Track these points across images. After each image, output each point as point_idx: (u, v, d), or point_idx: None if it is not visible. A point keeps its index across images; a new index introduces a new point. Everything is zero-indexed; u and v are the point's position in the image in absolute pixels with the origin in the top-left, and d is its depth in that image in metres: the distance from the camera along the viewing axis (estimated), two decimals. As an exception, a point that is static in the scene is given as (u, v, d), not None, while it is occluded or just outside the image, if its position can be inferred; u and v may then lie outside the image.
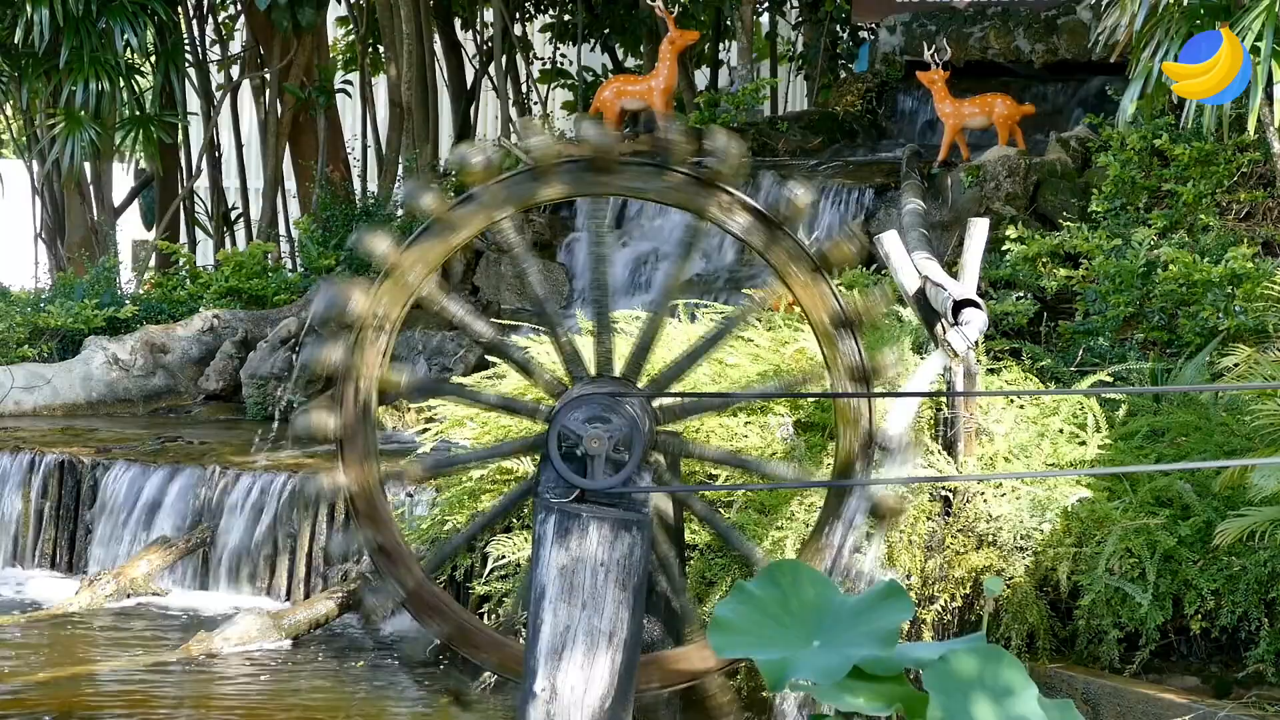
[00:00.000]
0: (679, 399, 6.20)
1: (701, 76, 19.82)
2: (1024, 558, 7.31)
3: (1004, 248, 10.19)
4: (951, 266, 8.21)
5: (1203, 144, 10.04)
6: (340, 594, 9.18)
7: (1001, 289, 10.15)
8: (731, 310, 8.88)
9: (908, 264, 7.59)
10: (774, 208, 5.73)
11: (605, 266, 6.02)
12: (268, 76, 18.07)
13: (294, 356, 12.82)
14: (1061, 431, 7.98)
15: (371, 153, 18.80)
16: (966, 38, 14.26)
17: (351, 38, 19.98)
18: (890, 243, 7.59)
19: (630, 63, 19.73)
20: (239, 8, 19.01)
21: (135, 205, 21.46)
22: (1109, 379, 8.75)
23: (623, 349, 6.00)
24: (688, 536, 6.93)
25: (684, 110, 16.35)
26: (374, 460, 5.94)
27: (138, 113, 17.14)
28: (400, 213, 15.04)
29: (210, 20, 19.17)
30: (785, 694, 6.58)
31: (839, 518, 5.88)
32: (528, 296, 6.19)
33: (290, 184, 18.94)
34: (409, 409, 11.22)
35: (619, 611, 5.37)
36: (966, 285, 7.42)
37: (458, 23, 19.34)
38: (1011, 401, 7.97)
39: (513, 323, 9.33)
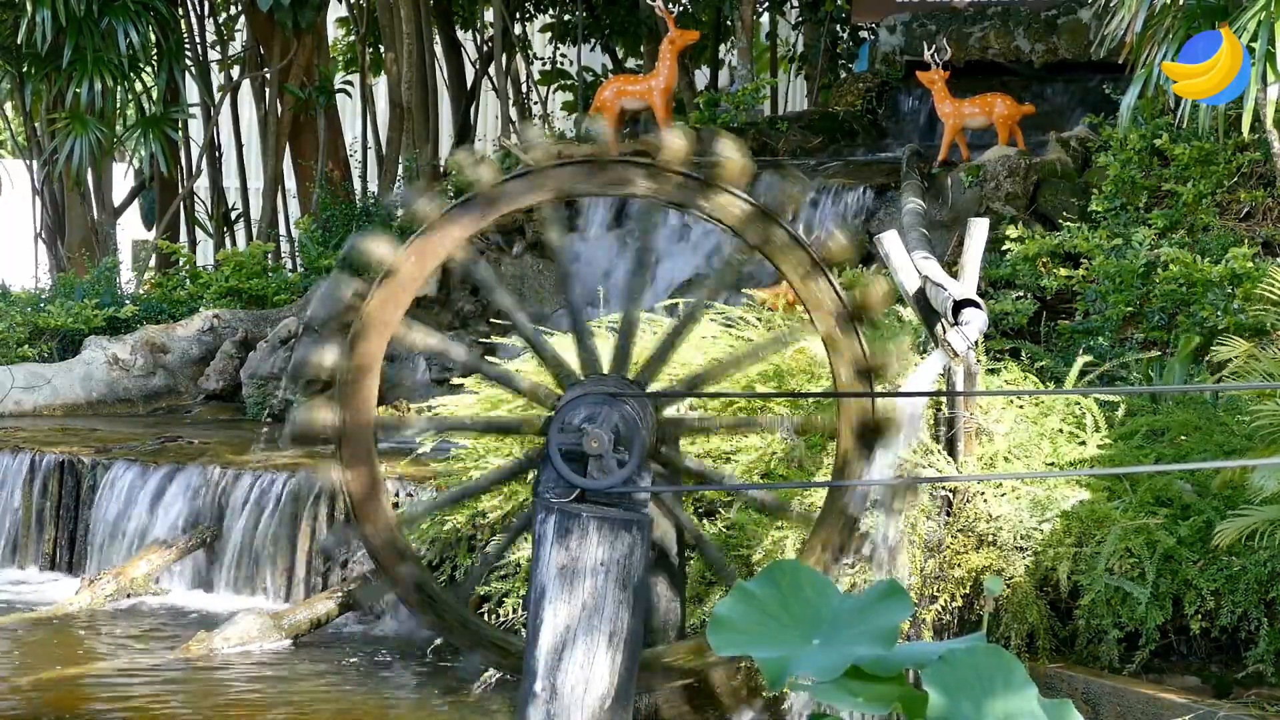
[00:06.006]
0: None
1: (701, 76, 19.81)
2: (1024, 558, 7.31)
3: (1004, 248, 10.19)
4: (951, 266, 8.21)
5: (1203, 144, 10.03)
6: (340, 594, 9.18)
7: (1001, 289, 10.14)
8: (734, 309, 8.90)
9: (908, 264, 7.59)
10: (769, 202, 5.77)
11: (571, 274, 6.06)
12: (268, 76, 18.07)
13: (293, 355, 12.83)
14: (1061, 431, 7.98)
15: (371, 153, 18.81)
16: (966, 38, 14.25)
17: (351, 38, 19.98)
18: (890, 243, 7.59)
19: (630, 63, 19.73)
20: (239, 8, 19.02)
21: (135, 205, 21.46)
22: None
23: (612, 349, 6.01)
24: (687, 536, 6.93)
25: (684, 110, 16.35)
26: (374, 455, 5.95)
27: (142, 114, 17.15)
28: (400, 214, 15.03)
29: (211, 20, 19.18)
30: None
31: (838, 518, 5.89)
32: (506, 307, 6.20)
33: (290, 184, 18.94)
34: (409, 407, 11.21)
35: (619, 611, 5.37)
36: (966, 285, 7.42)
37: (458, 23, 19.34)
38: (1011, 401, 7.96)
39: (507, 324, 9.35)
